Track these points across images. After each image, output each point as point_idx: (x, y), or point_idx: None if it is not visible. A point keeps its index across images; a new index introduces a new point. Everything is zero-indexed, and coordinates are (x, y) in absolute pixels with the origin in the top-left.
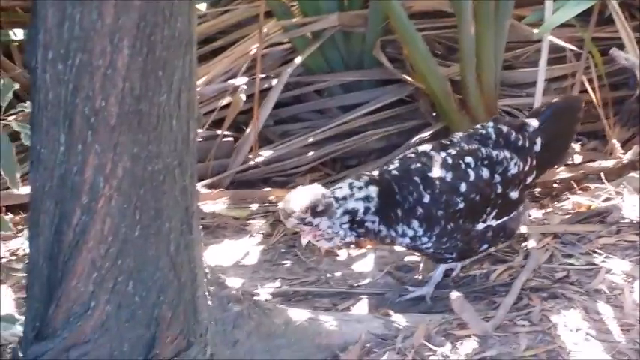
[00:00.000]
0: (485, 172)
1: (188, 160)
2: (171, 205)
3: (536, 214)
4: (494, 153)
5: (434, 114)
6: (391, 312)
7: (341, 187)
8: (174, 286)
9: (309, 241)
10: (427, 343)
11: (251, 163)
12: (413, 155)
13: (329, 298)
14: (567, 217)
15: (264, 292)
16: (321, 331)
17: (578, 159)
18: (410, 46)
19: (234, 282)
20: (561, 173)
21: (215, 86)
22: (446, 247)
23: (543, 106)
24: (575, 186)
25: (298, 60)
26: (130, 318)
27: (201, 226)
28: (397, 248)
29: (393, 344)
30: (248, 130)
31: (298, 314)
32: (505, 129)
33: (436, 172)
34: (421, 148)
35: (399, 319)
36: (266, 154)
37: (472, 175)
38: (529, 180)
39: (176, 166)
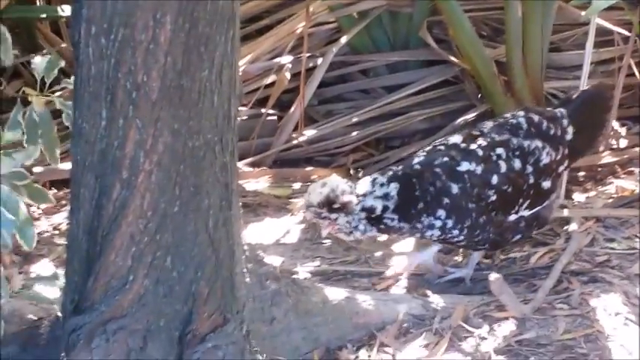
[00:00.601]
0: (517, 163)
1: (229, 137)
2: (211, 182)
3: (579, 197)
4: (526, 143)
5: (479, 95)
6: (429, 293)
7: (364, 182)
8: (212, 262)
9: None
10: (465, 325)
11: (294, 142)
12: (442, 147)
13: (368, 278)
14: (610, 201)
15: (304, 270)
16: (358, 310)
17: (623, 143)
18: (456, 27)
19: (274, 260)
20: (606, 157)
21: (260, 64)
22: (478, 240)
23: (574, 93)
24: (619, 170)
25: (344, 39)
26: (168, 293)
27: (241, 204)
28: None
29: (430, 325)
30: (292, 109)
31: (336, 293)
32: (536, 118)
33: (465, 165)
34: (451, 140)
35: (437, 300)
36: (310, 133)
37: (504, 167)
38: (561, 169)
39: (217, 142)
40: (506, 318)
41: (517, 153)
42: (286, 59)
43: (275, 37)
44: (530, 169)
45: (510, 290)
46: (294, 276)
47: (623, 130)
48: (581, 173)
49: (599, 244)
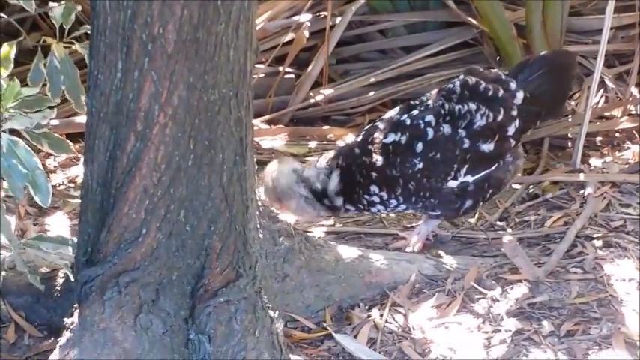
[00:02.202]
0: (446, 129)
1: (244, 91)
2: (226, 136)
3: (595, 162)
4: (457, 107)
5: (497, 58)
6: (442, 253)
7: (309, 167)
8: (225, 217)
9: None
10: (477, 286)
11: (311, 100)
12: (379, 124)
13: (381, 238)
14: (627, 166)
15: (318, 230)
16: (371, 269)
17: None
18: None
19: (287, 217)
20: (623, 123)
21: (278, 22)
22: (422, 206)
23: (530, 58)
24: (636, 135)
25: None
26: (180, 247)
27: (257, 161)
28: None
29: (443, 286)
30: (310, 68)
31: (349, 251)
32: (472, 80)
33: (391, 137)
34: (388, 114)
35: (450, 261)
36: (327, 92)
37: (430, 134)
38: (511, 131)
39: (232, 96)
40: (519, 280)
41: (447, 118)
42: (305, 17)
43: None
44: (462, 133)
45: (524, 253)
46: (308, 234)
47: None
48: (598, 138)
49: (614, 209)
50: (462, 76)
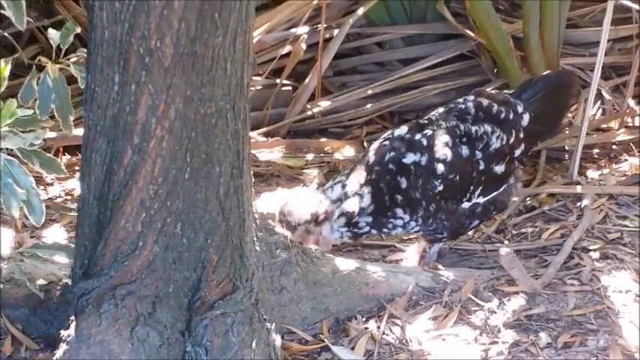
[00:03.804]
0: (464, 150)
1: (241, 104)
2: (223, 149)
3: (592, 174)
4: (474, 128)
5: (495, 70)
6: (440, 266)
7: (332, 188)
8: (222, 229)
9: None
10: (474, 298)
11: (309, 112)
12: (387, 143)
13: (378, 250)
14: (624, 178)
15: None
16: (368, 281)
17: (638, 121)
18: (473, 0)
19: (284, 230)
20: (620, 135)
21: (276, 35)
22: (434, 228)
23: (534, 78)
24: (633, 148)
25: (360, 11)
26: (177, 260)
27: (254, 173)
28: None
29: (440, 298)
30: (307, 80)
31: (346, 264)
32: (486, 102)
33: (410, 156)
34: (397, 132)
35: (447, 274)
36: (324, 104)
37: (450, 155)
38: (517, 153)
39: (229, 109)
40: (516, 292)
41: (464, 139)
42: (302, 30)
43: (291, 8)
44: (479, 154)
45: (521, 265)
46: (304, 246)
47: (638, 109)
48: (595, 150)
49: (611, 221)
50: (472, 97)
